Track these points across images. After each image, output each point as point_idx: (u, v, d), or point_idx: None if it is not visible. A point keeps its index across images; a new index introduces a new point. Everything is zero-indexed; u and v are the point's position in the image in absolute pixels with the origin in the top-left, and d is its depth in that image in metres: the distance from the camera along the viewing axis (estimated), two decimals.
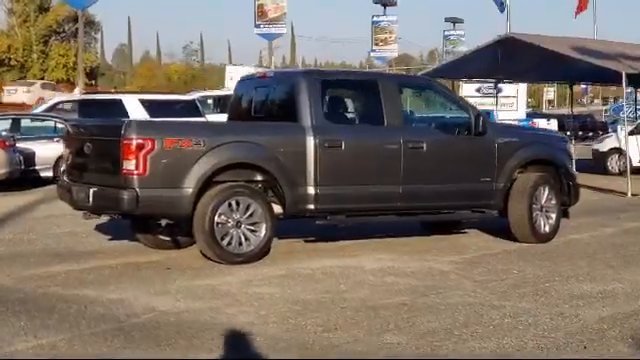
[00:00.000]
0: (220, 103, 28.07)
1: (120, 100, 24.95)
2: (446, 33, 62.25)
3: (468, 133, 12.65)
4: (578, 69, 22.05)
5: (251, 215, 11.34)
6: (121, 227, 13.21)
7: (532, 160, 13.15)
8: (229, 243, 11.23)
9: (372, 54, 58.30)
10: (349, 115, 12.73)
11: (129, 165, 10.74)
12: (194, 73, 54.89)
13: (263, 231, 11.38)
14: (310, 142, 11.60)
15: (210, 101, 26.78)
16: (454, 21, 63.13)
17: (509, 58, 22.44)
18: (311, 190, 11.63)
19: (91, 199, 11.31)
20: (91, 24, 74.21)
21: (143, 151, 10.73)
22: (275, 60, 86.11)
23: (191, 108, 24.97)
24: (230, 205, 11.21)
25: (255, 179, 11.63)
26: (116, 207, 10.88)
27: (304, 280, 10.33)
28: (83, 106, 25.20)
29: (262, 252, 11.44)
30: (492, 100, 37.51)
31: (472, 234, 14.00)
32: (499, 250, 12.52)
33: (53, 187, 21.78)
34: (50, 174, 22.32)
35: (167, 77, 57.13)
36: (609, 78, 20.74)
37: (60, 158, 21.54)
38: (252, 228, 11.36)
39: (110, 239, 13.47)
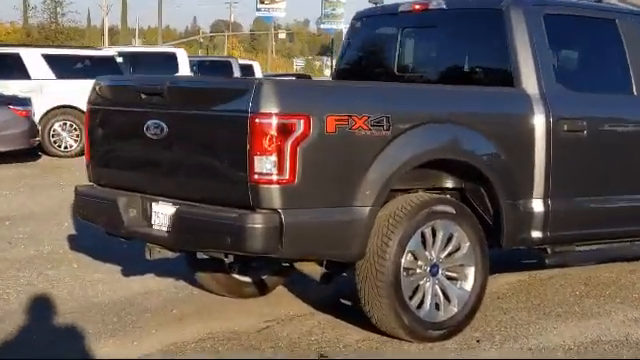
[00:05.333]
0: (134, 61, 22.39)
1: (18, 54, 19.26)
2: None
3: None
4: None
5: (453, 252, 6.27)
6: (113, 243, 7.77)
7: None
8: (420, 304, 6.16)
9: (257, 13, 52.83)
10: (585, 77, 7.59)
11: (265, 164, 5.59)
12: (58, 29, 47.84)
13: (471, 280, 6.48)
14: (540, 122, 6.68)
15: (120, 59, 21.05)
16: None
17: None
18: (539, 205, 6.72)
19: (170, 226, 6.01)
20: None
21: (291, 138, 5.62)
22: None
23: (108, 66, 19.51)
24: (423, 236, 6.09)
25: (443, 186, 6.57)
26: (235, 245, 5.69)
27: None
28: None
29: (469, 317, 6.40)
30: None
31: None
32: None
33: None
34: None
35: (26, 33, 49.86)
36: None
37: None
38: (453, 275, 6.36)
39: (124, 272, 8.23)
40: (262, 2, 50.71)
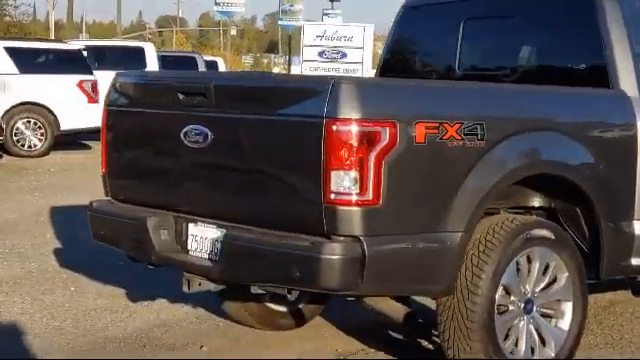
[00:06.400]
0: (99, 56, 21.07)
1: None
2: None
3: None
4: None
5: (549, 285, 5.33)
6: (106, 257, 7.22)
7: None
8: (513, 347, 5.22)
9: (216, 8, 51.37)
10: None
11: (343, 181, 4.53)
12: (12, 22, 45.89)
13: (568, 317, 5.47)
14: None
15: (85, 53, 19.73)
16: None
17: None
18: (638, 228, 5.64)
19: (215, 253, 4.93)
20: None
21: (376, 150, 4.57)
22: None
23: (75, 61, 18.32)
24: (518, 267, 5.08)
25: (529, 205, 5.56)
26: (305, 280, 4.67)
27: None
28: None
29: None
30: (336, 65, 32.14)
31: None
32: None
33: None
34: None
35: None
36: None
37: None
38: (549, 312, 5.40)
39: (130, 297, 7.28)
40: None
